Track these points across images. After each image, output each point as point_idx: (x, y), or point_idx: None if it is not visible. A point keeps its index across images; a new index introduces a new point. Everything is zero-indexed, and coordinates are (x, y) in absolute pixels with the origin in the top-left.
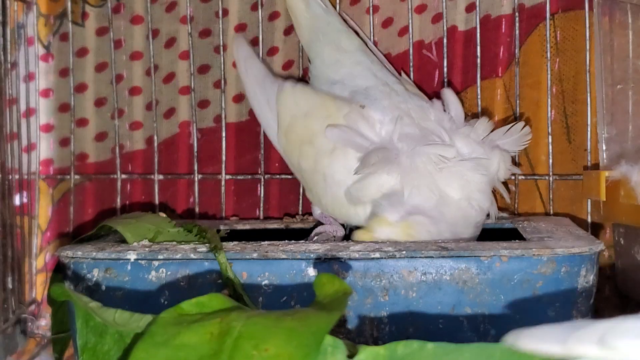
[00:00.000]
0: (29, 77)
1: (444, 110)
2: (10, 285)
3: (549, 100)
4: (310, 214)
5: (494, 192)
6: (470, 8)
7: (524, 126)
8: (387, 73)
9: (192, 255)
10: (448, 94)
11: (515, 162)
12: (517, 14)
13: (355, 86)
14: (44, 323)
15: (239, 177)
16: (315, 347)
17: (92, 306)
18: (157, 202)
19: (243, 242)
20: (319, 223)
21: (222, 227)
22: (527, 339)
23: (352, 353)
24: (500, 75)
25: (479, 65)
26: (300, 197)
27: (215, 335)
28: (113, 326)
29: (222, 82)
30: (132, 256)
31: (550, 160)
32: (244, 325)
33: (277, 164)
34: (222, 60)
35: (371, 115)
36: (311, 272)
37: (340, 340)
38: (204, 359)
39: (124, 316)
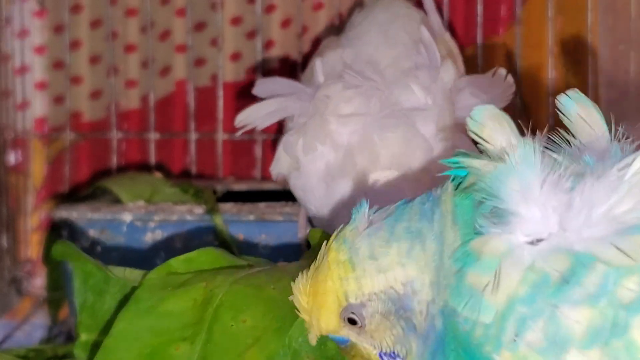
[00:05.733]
0: (24, 33)
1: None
2: (4, 244)
3: (550, 60)
4: None
5: None
6: None
7: (507, 75)
8: None
9: (188, 217)
10: (424, 33)
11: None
12: None
13: None
14: (39, 282)
15: (235, 137)
16: (291, 319)
17: (98, 263)
18: (152, 161)
19: (239, 203)
20: None
21: (218, 188)
22: None
23: None
24: (501, 34)
25: (479, 24)
26: None
27: (199, 303)
28: (127, 282)
29: (219, 40)
30: (127, 217)
31: (551, 122)
32: (226, 294)
33: (276, 124)
34: (219, 18)
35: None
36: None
37: None
38: (186, 328)
39: (135, 273)
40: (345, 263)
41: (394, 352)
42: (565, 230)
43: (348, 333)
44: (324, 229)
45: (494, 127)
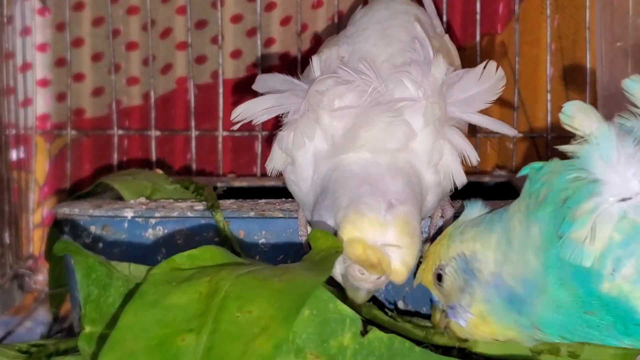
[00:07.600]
0: (26, 31)
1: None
2: (7, 240)
3: (548, 57)
4: None
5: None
6: None
7: (497, 68)
8: None
9: (189, 213)
10: (417, 29)
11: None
12: None
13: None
14: (42, 278)
15: (236, 134)
16: (297, 309)
17: (101, 259)
18: (154, 158)
19: (240, 200)
20: None
21: (219, 185)
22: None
23: (366, 328)
24: (499, 31)
25: (478, 21)
26: None
27: (204, 295)
28: (131, 279)
29: (219, 37)
30: (129, 214)
31: (549, 119)
32: (231, 286)
33: (274, 121)
34: (219, 16)
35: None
36: (308, 230)
37: (359, 315)
38: (192, 320)
39: (139, 269)
40: (447, 235)
41: (458, 304)
42: None
43: (436, 292)
44: (311, 219)
45: (581, 117)
